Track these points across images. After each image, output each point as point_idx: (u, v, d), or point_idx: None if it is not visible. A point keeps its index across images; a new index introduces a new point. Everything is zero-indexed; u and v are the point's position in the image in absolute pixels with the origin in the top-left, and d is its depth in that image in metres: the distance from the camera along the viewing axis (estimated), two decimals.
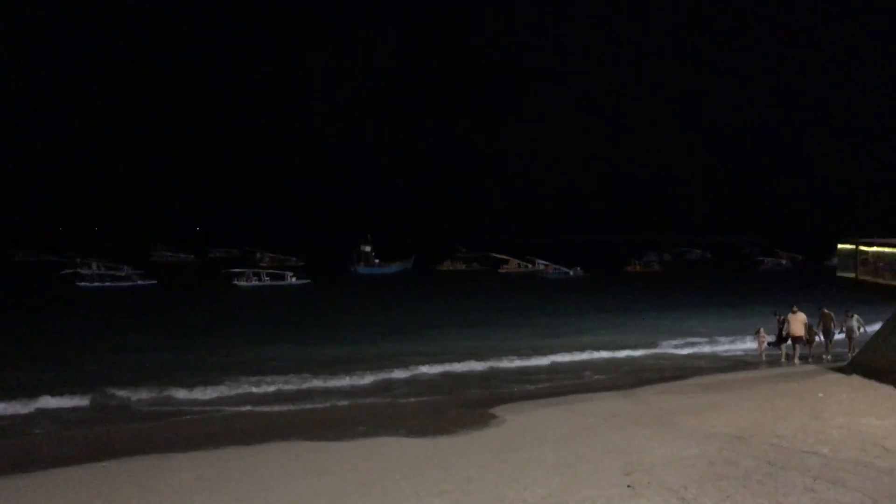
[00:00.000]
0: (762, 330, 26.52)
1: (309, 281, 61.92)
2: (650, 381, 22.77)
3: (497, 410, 18.67)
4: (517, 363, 27.00)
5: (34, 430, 18.11)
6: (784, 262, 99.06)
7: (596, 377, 24.45)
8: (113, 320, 39.15)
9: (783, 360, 25.25)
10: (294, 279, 61.29)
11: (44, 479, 13.46)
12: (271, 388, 22.43)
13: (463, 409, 19.34)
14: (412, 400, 21.16)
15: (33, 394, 20.84)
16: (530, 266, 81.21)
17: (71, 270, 63.55)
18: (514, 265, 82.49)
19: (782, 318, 25.33)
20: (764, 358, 26.10)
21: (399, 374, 24.70)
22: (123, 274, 63.56)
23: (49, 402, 20.22)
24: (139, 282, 62.07)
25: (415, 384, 23.47)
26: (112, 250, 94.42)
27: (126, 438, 17.11)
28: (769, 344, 26.08)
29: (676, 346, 30.63)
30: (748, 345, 28.62)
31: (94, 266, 64.93)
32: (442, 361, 26.54)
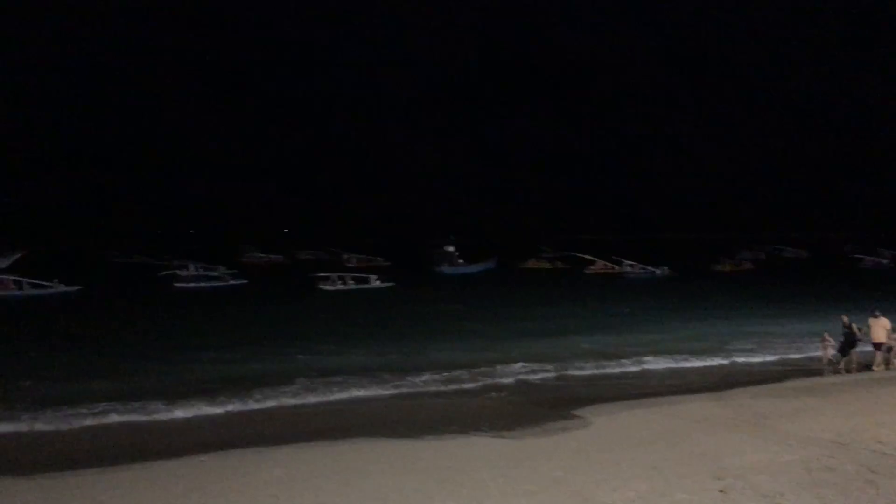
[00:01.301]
0: (827, 335, 25.33)
1: (393, 283, 62.26)
2: (740, 384, 22.14)
3: (582, 412, 18.52)
4: (600, 364, 26.66)
5: (139, 419, 19.01)
6: (886, 261, 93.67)
7: (682, 380, 23.94)
8: (207, 320, 40.47)
9: (845, 367, 23.96)
10: (378, 282, 61.67)
11: (146, 471, 14.10)
12: (354, 388, 22.72)
13: (548, 410, 19.23)
14: (497, 401, 21.13)
15: (141, 388, 21.93)
16: (616, 267, 79.81)
17: (169, 272, 66.26)
18: (599, 266, 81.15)
19: (853, 323, 24.00)
20: (828, 364, 24.86)
21: (484, 375, 24.64)
22: (217, 275, 65.81)
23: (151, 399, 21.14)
24: (232, 282, 64.13)
25: (500, 385, 23.38)
26: (205, 252, 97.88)
27: (218, 434, 17.71)
28: (836, 351, 24.76)
29: (756, 349, 29.74)
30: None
31: (191, 268, 67.46)
32: (527, 362, 26.41)
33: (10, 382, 22.97)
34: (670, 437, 15.12)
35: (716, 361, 27.50)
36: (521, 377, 24.49)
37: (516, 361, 26.57)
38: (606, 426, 16.76)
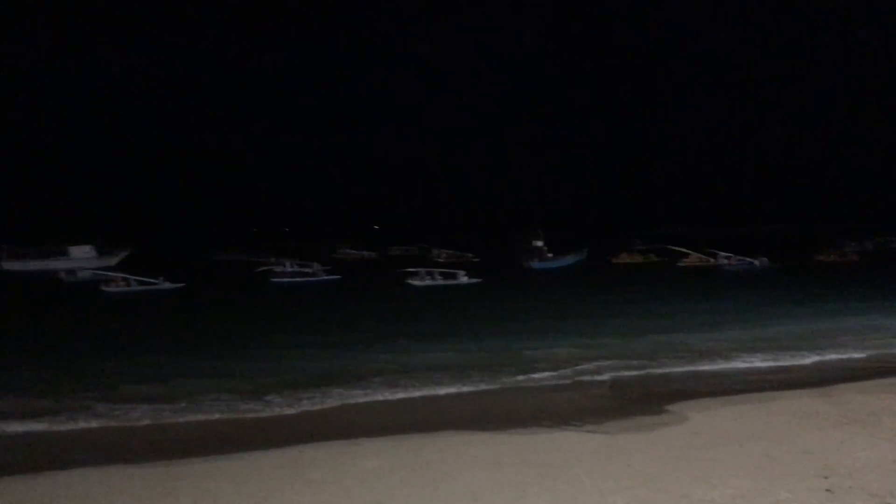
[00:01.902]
0: None
1: (481, 279, 62.43)
2: (844, 380, 21.19)
3: (677, 408, 18.15)
4: (695, 359, 26.04)
5: (240, 411, 19.77)
6: None
7: (780, 375, 23.11)
8: (300, 315, 41.56)
9: None
10: (466, 277, 61.91)
11: (248, 461, 14.66)
12: (443, 383, 22.91)
13: (642, 405, 18.94)
14: (589, 396, 20.93)
15: (238, 382, 22.83)
16: (711, 260, 77.40)
17: (266, 268, 68.59)
18: (694, 258, 78.84)
19: None
20: None
21: (575, 370, 24.47)
22: (311, 271, 67.65)
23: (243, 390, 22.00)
24: (325, 278, 65.83)
25: (592, 381, 23.16)
26: (300, 249, 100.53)
27: (314, 426, 18.22)
28: None
29: (858, 343, 28.43)
30: None
31: (287, 264, 69.55)
32: (620, 357, 26.14)
33: (119, 376, 24.30)
34: (771, 433, 14.66)
35: (815, 356, 26.41)
36: (614, 372, 24.16)
37: (609, 357, 26.32)
38: (703, 422, 16.37)
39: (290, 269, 67.71)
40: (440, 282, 61.22)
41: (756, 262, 72.96)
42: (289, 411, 19.89)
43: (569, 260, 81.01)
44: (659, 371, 24.50)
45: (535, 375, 23.83)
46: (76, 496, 12.62)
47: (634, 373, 24.19)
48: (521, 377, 23.59)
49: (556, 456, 13.69)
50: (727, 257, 76.31)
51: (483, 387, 22.51)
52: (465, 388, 22.24)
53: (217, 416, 19.46)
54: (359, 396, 21.36)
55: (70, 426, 18.27)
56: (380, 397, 21.39)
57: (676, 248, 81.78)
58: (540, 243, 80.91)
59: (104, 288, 56.50)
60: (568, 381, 23.06)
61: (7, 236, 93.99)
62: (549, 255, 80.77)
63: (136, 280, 57.51)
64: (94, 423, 18.54)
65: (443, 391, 22.07)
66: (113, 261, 79.22)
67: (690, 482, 11.34)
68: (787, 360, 25.80)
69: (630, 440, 15.01)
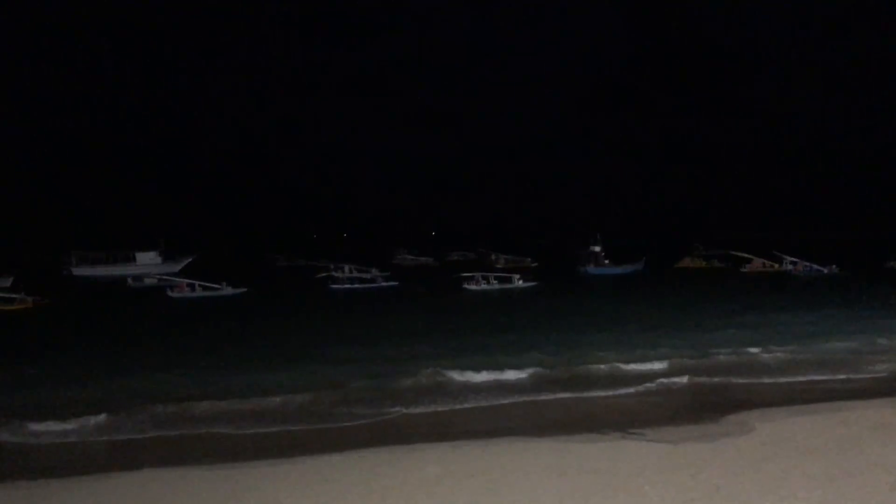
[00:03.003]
0: None
1: (536, 283, 62.25)
2: None
3: (743, 417, 17.78)
4: (762, 368, 25.51)
5: (301, 418, 20.02)
6: None
7: (850, 385, 22.47)
8: (357, 321, 41.81)
9: None
10: (521, 281, 61.97)
11: (312, 464, 14.92)
12: (502, 389, 22.91)
13: (708, 414, 18.62)
14: (654, 404, 20.65)
15: (305, 385, 23.21)
16: (776, 266, 75.33)
17: (325, 274, 69.42)
18: (757, 264, 76.88)
19: None
20: None
21: (639, 377, 24.21)
22: (370, 276, 68.26)
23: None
24: (383, 283, 66.35)
25: (656, 388, 22.83)
26: (359, 255, 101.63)
27: (373, 431, 18.44)
28: None
29: None
30: None
31: (346, 269, 70.29)
32: (684, 367, 25.63)
33: (179, 380, 24.77)
34: (842, 444, 14.23)
35: (886, 366, 25.50)
36: (676, 381, 23.70)
37: (669, 366, 25.84)
38: (771, 432, 15.97)
39: (349, 275, 68.45)
40: (496, 286, 61.33)
41: (825, 270, 70.74)
42: (348, 418, 20.02)
43: (626, 268, 79.93)
44: (722, 380, 23.96)
45: (594, 384, 23.56)
46: (145, 497, 13.01)
47: (697, 381, 23.71)
48: (579, 385, 23.34)
49: (618, 465, 13.52)
50: (793, 262, 74.18)
51: (542, 396, 22.29)
52: (523, 398, 22.01)
53: (276, 420, 19.76)
54: (416, 405, 21.30)
55: (137, 433, 18.73)
56: (437, 408, 21.16)
57: (739, 254, 79.90)
58: (598, 248, 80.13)
59: (169, 293, 58.01)
60: (629, 390, 22.70)
61: (78, 243, 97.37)
62: (606, 261, 79.90)
63: (199, 285, 58.88)
64: (155, 430, 18.96)
65: (502, 398, 21.95)
66: (177, 267, 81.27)
67: (758, 494, 11.10)
68: (856, 371, 24.99)
69: (695, 450, 14.73)
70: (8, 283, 61.49)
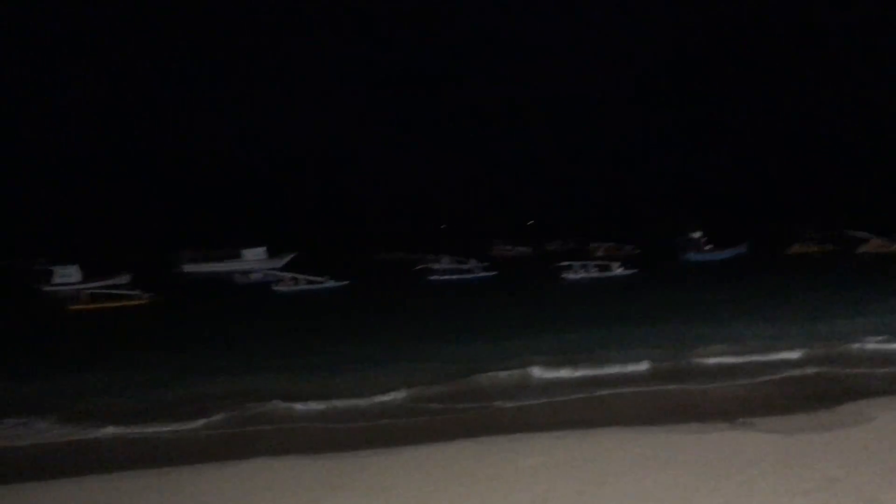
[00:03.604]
0: None
1: (636, 271, 60.88)
2: None
3: (861, 406, 16.98)
4: (883, 357, 24.24)
5: (397, 410, 20.43)
6: None
7: None
8: (456, 312, 42.07)
9: None
10: (620, 269, 60.75)
11: (411, 454, 15.15)
12: (604, 380, 22.68)
13: (823, 403, 17.88)
14: (767, 393, 20.04)
15: (402, 378, 23.62)
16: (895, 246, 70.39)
17: (424, 265, 70.27)
18: (875, 244, 71.89)
19: None
20: None
21: (751, 366, 23.51)
22: (468, 267, 68.61)
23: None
24: (481, 274, 66.58)
25: (769, 378, 21.99)
26: (458, 246, 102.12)
27: (470, 422, 18.56)
28: None
29: None
30: None
31: (444, 261, 70.94)
32: (796, 355, 24.69)
33: (289, 373, 25.61)
34: None
35: None
36: (788, 370, 22.82)
37: (781, 353, 24.86)
38: (892, 421, 15.15)
39: (446, 266, 69.04)
40: (594, 274, 60.55)
41: None
42: (448, 412, 20.21)
43: (729, 252, 77.06)
44: (838, 370, 22.88)
45: (700, 375, 22.97)
46: (255, 486, 13.58)
47: (816, 368, 22.86)
48: (684, 377, 22.78)
49: (727, 456, 13.15)
50: None
51: (646, 387, 21.86)
52: (626, 389, 21.64)
53: (374, 415, 20.13)
54: (515, 398, 21.22)
55: (250, 426, 19.50)
56: (537, 400, 21.05)
57: (855, 233, 75.42)
58: (697, 234, 77.70)
59: (274, 287, 60.05)
60: (744, 378, 22.07)
61: (186, 241, 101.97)
62: (707, 247, 77.29)
63: (303, 279, 60.69)
64: (260, 425, 19.61)
65: (603, 391, 21.62)
66: (281, 262, 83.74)
67: (878, 486, 10.57)
68: None
69: (810, 440, 14.17)
70: (127, 279, 65.22)
